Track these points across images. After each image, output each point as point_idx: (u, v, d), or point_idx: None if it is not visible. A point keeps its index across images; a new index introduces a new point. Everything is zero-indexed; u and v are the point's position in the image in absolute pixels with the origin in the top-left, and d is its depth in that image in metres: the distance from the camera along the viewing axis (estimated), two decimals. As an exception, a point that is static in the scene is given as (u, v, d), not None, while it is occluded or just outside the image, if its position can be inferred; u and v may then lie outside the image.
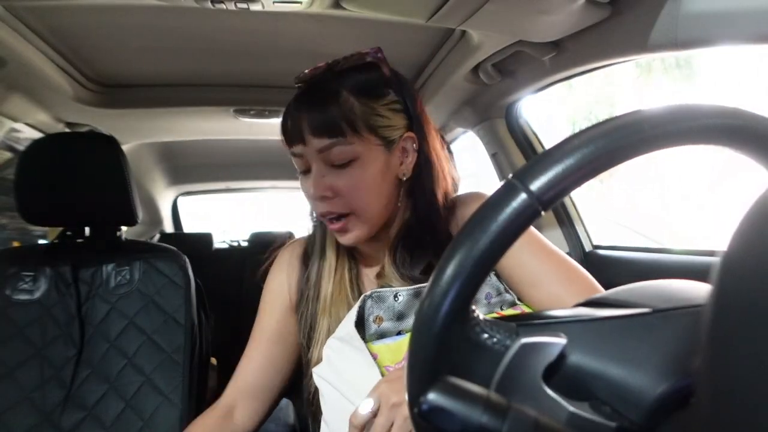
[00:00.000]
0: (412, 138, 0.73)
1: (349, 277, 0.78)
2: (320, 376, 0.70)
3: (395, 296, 0.71)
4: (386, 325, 0.69)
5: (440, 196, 0.75)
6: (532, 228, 0.68)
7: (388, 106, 0.71)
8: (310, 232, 0.83)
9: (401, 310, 0.71)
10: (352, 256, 0.81)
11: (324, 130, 0.66)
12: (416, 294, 0.70)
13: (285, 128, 0.71)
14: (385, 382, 0.57)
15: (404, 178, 0.73)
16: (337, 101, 0.67)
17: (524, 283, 0.73)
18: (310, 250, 0.82)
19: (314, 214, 0.80)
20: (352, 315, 0.70)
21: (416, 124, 0.74)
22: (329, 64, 0.71)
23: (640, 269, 1.15)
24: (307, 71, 0.72)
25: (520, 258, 0.72)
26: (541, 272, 0.71)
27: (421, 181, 0.73)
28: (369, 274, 0.80)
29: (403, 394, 0.54)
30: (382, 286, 0.74)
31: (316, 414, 0.79)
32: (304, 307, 0.79)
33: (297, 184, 0.75)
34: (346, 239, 0.71)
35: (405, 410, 0.54)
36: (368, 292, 0.72)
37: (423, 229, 0.74)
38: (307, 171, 0.71)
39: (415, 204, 0.74)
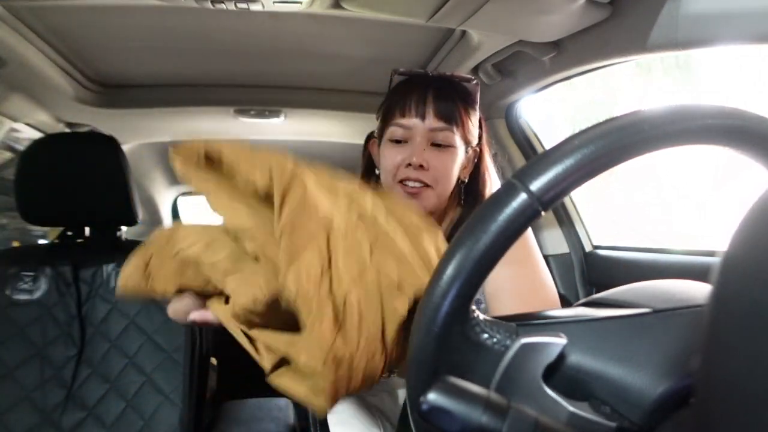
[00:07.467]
0: (476, 152, 0.88)
1: None
2: None
3: None
4: None
5: None
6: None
7: (473, 120, 0.87)
8: None
9: None
10: None
11: (445, 115, 0.81)
12: None
13: (407, 102, 0.82)
14: None
15: (462, 180, 0.87)
16: (457, 99, 0.83)
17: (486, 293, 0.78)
18: None
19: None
20: None
21: (480, 143, 0.89)
22: (440, 73, 0.87)
23: (640, 269, 1.15)
24: (402, 69, 0.86)
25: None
26: (504, 288, 0.76)
27: (474, 187, 0.89)
28: None
29: None
30: None
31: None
32: None
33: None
34: (417, 203, 0.82)
35: None
36: None
37: None
38: (402, 141, 0.83)
39: (466, 203, 0.88)
